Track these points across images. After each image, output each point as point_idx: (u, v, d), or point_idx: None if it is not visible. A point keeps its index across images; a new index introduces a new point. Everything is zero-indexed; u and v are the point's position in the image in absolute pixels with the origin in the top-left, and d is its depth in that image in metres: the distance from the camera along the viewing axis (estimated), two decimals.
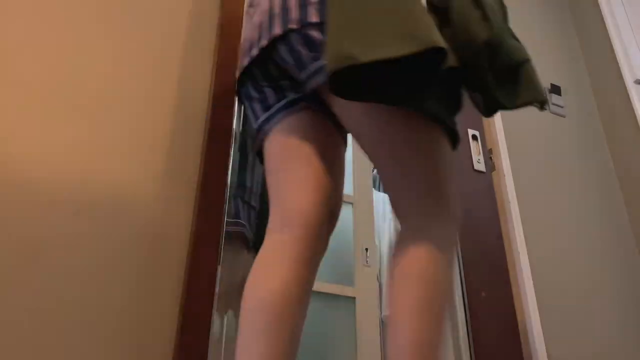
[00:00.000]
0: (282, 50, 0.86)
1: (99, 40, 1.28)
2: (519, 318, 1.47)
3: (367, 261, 1.92)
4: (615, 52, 2.08)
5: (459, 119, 1.67)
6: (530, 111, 1.93)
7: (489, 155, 1.71)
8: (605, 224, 1.84)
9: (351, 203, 2.00)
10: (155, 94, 1.28)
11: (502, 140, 1.74)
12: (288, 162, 0.89)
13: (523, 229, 1.62)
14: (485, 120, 1.78)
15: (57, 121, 1.17)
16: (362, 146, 0.87)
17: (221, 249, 1.13)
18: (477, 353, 1.33)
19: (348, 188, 2.02)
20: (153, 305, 1.07)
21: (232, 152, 1.25)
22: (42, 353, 0.96)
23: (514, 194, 1.66)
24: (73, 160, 1.14)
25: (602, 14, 2.18)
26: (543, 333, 1.47)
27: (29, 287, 0.99)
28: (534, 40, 2.15)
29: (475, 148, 1.66)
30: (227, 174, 1.21)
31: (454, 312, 1.42)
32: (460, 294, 1.42)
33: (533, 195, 1.73)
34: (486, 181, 1.62)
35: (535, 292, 1.52)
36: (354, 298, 1.85)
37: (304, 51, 0.84)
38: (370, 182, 2.13)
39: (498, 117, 1.77)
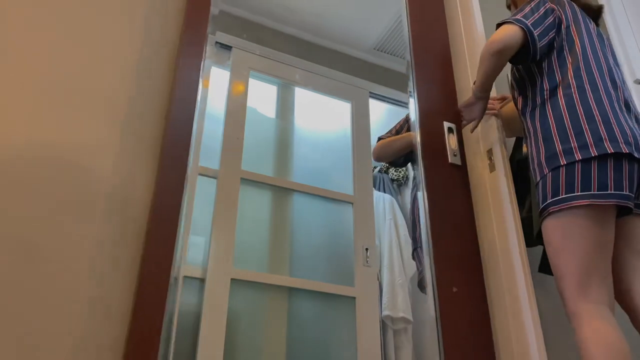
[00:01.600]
0: None
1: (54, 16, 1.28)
2: (517, 315, 1.47)
3: (367, 261, 1.92)
4: (616, 52, 2.08)
5: (435, 112, 1.65)
6: None
7: (488, 156, 1.71)
8: None
9: (351, 203, 2.01)
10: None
11: (502, 140, 1.74)
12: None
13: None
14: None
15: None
16: None
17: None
18: (446, 348, 1.31)
19: (348, 188, 2.03)
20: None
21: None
22: None
23: (514, 194, 1.66)
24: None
25: (602, 14, 2.17)
26: (542, 329, 1.47)
27: None
28: None
29: (451, 141, 1.64)
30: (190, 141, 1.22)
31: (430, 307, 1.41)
32: (431, 289, 1.40)
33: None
34: (460, 175, 1.61)
35: (535, 290, 1.52)
36: (354, 298, 1.86)
37: None
38: (371, 182, 2.14)
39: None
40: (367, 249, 1.95)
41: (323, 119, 2.13)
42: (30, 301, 0.99)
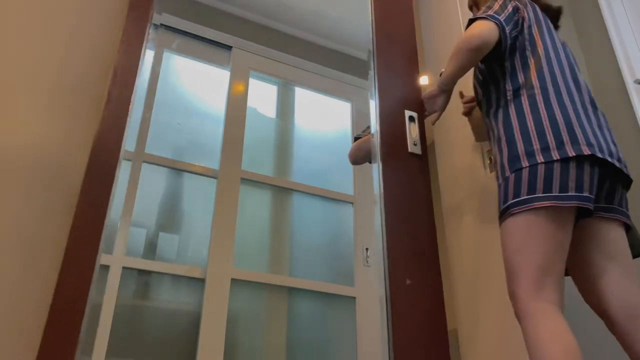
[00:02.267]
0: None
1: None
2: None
3: (367, 261, 1.92)
4: (615, 52, 2.08)
5: (397, 100, 1.64)
6: None
7: (488, 157, 1.71)
8: None
9: (351, 203, 2.01)
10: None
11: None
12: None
13: None
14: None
15: None
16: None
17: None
18: (396, 341, 1.27)
19: (348, 188, 2.03)
20: None
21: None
22: None
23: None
24: None
25: (602, 14, 2.17)
26: None
27: None
28: None
29: (412, 130, 1.63)
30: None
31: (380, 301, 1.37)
32: (383, 281, 1.36)
33: None
34: (420, 165, 1.58)
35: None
36: (354, 298, 1.86)
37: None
38: (371, 182, 2.14)
39: None
40: (367, 249, 1.95)
41: (323, 118, 2.13)
42: None
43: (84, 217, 1.10)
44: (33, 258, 1.06)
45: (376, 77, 1.66)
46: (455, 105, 1.70)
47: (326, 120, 2.11)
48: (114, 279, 1.46)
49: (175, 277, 1.56)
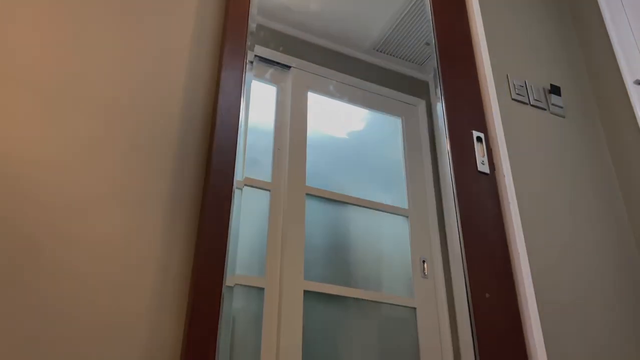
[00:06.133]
0: None
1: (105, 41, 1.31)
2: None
3: (424, 273, 1.93)
4: (615, 52, 2.08)
5: (464, 121, 1.69)
6: (530, 111, 1.94)
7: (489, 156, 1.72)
8: (605, 224, 1.85)
9: (406, 216, 2.02)
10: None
11: (502, 140, 1.75)
12: None
13: (522, 229, 1.63)
14: (487, 121, 1.80)
15: (61, 121, 1.18)
16: None
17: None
18: (481, 354, 1.36)
19: (402, 201, 2.04)
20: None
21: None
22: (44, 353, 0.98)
23: (514, 194, 1.67)
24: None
25: (602, 14, 2.18)
26: (543, 334, 1.48)
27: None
28: (534, 40, 2.15)
29: (480, 149, 1.71)
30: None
31: (459, 313, 1.46)
32: (465, 295, 1.48)
33: (532, 195, 1.74)
34: (490, 183, 1.67)
35: (535, 292, 1.53)
36: (414, 309, 1.86)
37: None
38: (424, 195, 2.14)
39: (497, 117, 1.78)
40: (424, 261, 1.95)
41: (374, 134, 2.12)
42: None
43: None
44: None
45: (443, 100, 1.78)
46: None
47: (377, 135, 2.11)
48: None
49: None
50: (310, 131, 1.92)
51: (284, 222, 1.68)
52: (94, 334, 1.02)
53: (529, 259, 1.59)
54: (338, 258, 1.76)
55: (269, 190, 1.71)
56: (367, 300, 1.76)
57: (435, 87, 1.81)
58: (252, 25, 1.70)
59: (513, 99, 1.93)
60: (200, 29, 1.48)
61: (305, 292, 1.66)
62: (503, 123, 1.82)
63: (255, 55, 1.83)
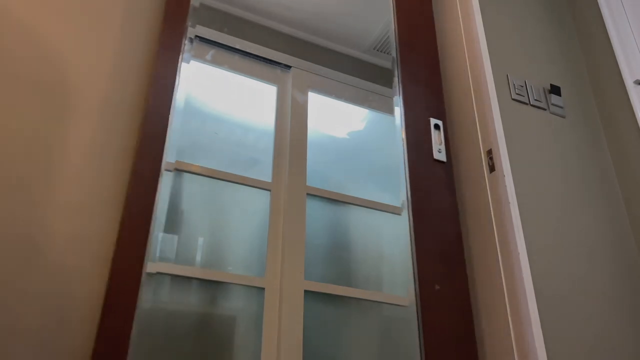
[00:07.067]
0: None
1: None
2: (516, 318, 1.48)
3: None
4: (615, 52, 2.08)
5: (421, 108, 1.66)
6: (530, 111, 1.94)
7: (488, 156, 1.72)
8: (605, 224, 1.85)
9: (399, 214, 2.01)
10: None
11: (501, 140, 1.75)
12: None
13: (522, 229, 1.63)
14: (487, 121, 1.78)
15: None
16: None
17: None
18: (427, 346, 1.32)
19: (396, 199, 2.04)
20: None
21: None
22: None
23: (514, 194, 1.67)
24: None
25: (602, 14, 2.18)
26: (542, 332, 1.48)
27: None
28: (534, 40, 2.15)
29: (437, 137, 1.65)
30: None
31: (409, 305, 1.41)
32: (413, 286, 1.41)
33: (532, 195, 1.74)
34: (446, 172, 1.61)
35: (535, 292, 1.54)
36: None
37: None
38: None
39: (497, 117, 1.78)
40: None
41: (374, 133, 2.12)
42: None
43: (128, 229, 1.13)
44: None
45: (401, 87, 1.71)
46: (458, 103, 1.70)
47: (372, 133, 2.11)
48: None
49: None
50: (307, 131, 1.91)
51: (284, 222, 1.68)
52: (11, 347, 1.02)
53: (528, 259, 1.59)
54: (339, 258, 1.77)
55: (269, 190, 1.71)
56: (367, 300, 1.76)
57: (393, 75, 1.76)
58: (195, 3, 1.63)
59: (513, 99, 1.93)
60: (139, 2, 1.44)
61: (306, 292, 1.66)
62: (503, 123, 1.82)
63: (196, 36, 1.79)
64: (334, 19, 2.07)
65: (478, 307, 1.62)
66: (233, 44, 1.89)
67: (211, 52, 1.83)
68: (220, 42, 1.86)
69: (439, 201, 1.53)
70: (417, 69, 1.75)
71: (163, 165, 1.25)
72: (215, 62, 1.83)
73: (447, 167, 1.61)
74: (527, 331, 1.45)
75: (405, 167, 1.56)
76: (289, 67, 1.97)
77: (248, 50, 1.92)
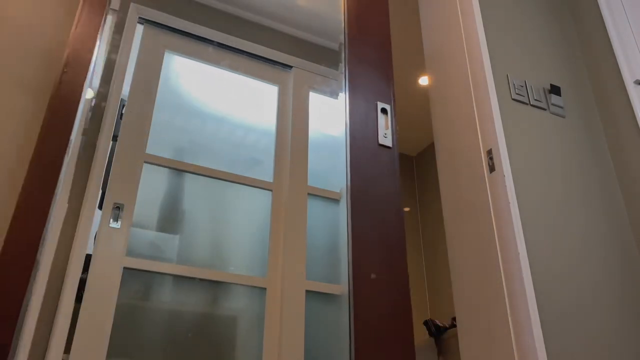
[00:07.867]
0: None
1: None
2: (516, 317, 1.49)
3: None
4: (615, 52, 2.09)
5: (369, 91, 1.62)
6: (530, 111, 1.95)
7: (488, 156, 1.72)
8: (605, 224, 1.85)
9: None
10: None
11: (501, 140, 1.76)
12: None
13: (523, 229, 1.63)
14: (487, 122, 1.79)
15: None
16: None
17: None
18: (357, 339, 1.26)
19: None
20: None
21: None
22: None
23: (514, 194, 1.67)
24: None
25: (602, 14, 2.18)
26: (542, 333, 1.49)
27: None
28: (534, 40, 2.16)
29: (385, 122, 1.61)
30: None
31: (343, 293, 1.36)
32: (346, 274, 1.35)
33: (532, 195, 1.75)
34: (390, 157, 1.56)
35: (535, 292, 1.54)
36: None
37: None
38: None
39: (497, 116, 1.79)
40: None
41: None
42: None
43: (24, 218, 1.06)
44: None
45: (347, 68, 1.64)
46: (458, 103, 1.71)
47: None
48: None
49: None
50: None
51: (285, 222, 1.68)
52: None
53: (528, 259, 1.59)
54: (340, 257, 1.77)
55: (271, 191, 1.71)
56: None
57: (340, 57, 1.72)
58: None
59: (513, 99, 1.93)
60: None
61: (307, 291, 1.66)
62: (503, 123, 1.82)
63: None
64: (334, 19, 2.07)
65: (478, 307, 1.63)
66: (234, 44, 1.89)
67: (211, 51, 1.83)
68: (220, 42, 1.86)
69: (382, 187, 1.47)
70: (366, 50, 1.68)
71: (71, 145, 1.19)
72: (215, 62, 1.84)
73: (393, 152, 1.56)
74: (527, 331, 1.46)
75: (347, 152, 1.50)
76: (290, 67, 1.97)
77: (249, 51, 1.91)
